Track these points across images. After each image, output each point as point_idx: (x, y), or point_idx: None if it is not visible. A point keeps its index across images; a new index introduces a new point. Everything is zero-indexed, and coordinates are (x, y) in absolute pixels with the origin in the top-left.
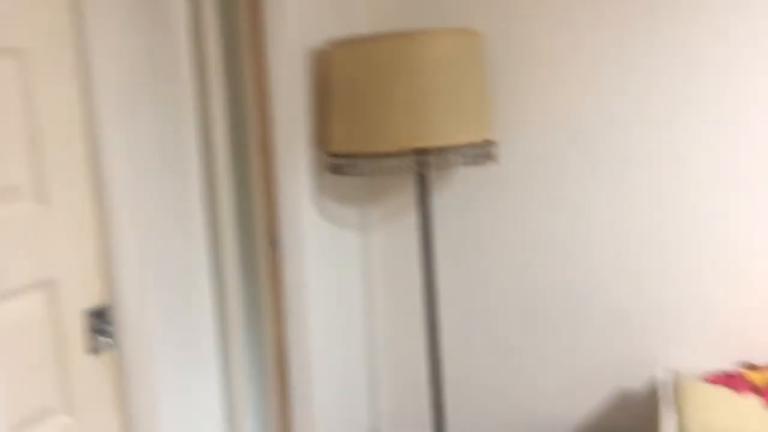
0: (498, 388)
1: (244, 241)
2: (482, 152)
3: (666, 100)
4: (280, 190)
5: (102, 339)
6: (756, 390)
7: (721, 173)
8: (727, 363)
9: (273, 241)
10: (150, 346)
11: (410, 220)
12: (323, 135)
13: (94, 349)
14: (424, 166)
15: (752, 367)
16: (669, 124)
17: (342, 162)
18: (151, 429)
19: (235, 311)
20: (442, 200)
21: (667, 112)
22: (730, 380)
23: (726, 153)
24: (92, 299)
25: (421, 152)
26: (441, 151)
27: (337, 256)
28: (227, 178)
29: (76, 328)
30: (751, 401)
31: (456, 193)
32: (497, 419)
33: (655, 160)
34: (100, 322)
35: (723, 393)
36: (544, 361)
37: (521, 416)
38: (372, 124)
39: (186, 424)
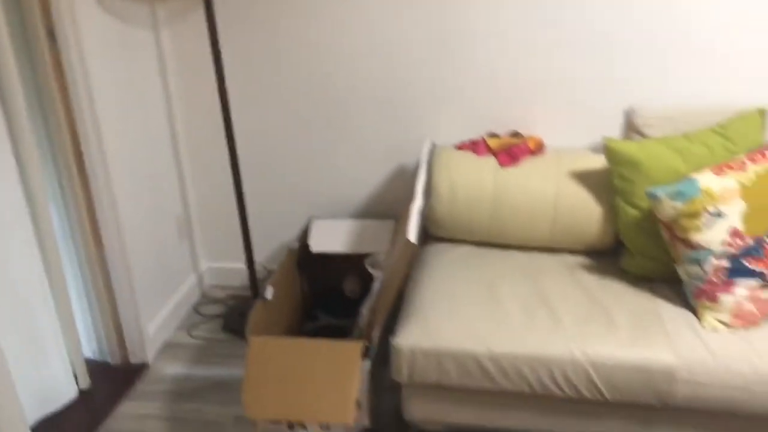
0: (294, 172)
1: (22, 32)
2: None
3: None
4: None
5: None
6: (493, 153)
7: None
8: (478, 134)
9: (51, 34)
10: None
11: (199, 17)
12: None
13: None
14: None
15: (494, 136)
16: None
17: None
18: None
19: (20, 102)
20: None
21: None
22: (474, 146)
23: None
24: None
25: None
26: None
27: (125, 50)
28: None
29: None
30: (488, 161)
31: None
32: (295, 199)
33: None
34: None
35: (467, 156)
36: (334, 148)
37: (316, 196)
38: None
39: None
